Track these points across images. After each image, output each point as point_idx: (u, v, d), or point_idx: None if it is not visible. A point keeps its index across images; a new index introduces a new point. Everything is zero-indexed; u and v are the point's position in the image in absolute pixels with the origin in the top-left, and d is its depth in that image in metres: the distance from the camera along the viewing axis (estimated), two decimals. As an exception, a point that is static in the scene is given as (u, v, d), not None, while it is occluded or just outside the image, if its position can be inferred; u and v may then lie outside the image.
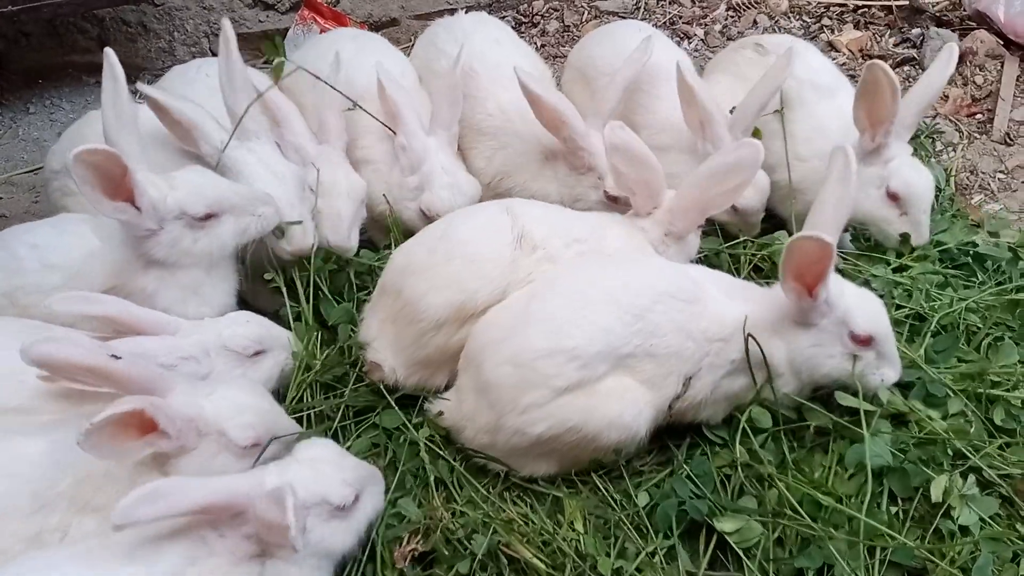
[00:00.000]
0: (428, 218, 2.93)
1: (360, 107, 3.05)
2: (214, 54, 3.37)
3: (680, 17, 4.62)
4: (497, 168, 3.17)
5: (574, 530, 2.19)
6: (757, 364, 2.28)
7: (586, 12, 4.65)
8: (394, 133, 3.05)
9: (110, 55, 2.51)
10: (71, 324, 2.33)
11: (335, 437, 2.43)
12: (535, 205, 2.61)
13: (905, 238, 2.87)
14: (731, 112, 2.97)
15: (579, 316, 2.19)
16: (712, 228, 2.93)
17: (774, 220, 3.08)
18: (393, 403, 2.47)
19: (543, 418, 2.17)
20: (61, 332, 2.26)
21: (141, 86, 2.75)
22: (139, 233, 2.43)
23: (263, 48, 2.75)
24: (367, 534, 2.10)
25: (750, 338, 2.24)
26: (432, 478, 2.32)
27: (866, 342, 2.26)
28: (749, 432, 2.29)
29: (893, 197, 2.83)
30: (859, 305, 2.28)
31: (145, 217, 2.40)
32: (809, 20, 4.60)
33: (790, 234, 2.84)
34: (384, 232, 3.06)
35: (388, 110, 3.04)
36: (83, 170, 2.25)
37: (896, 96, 2.71)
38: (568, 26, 4.57)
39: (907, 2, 4.44)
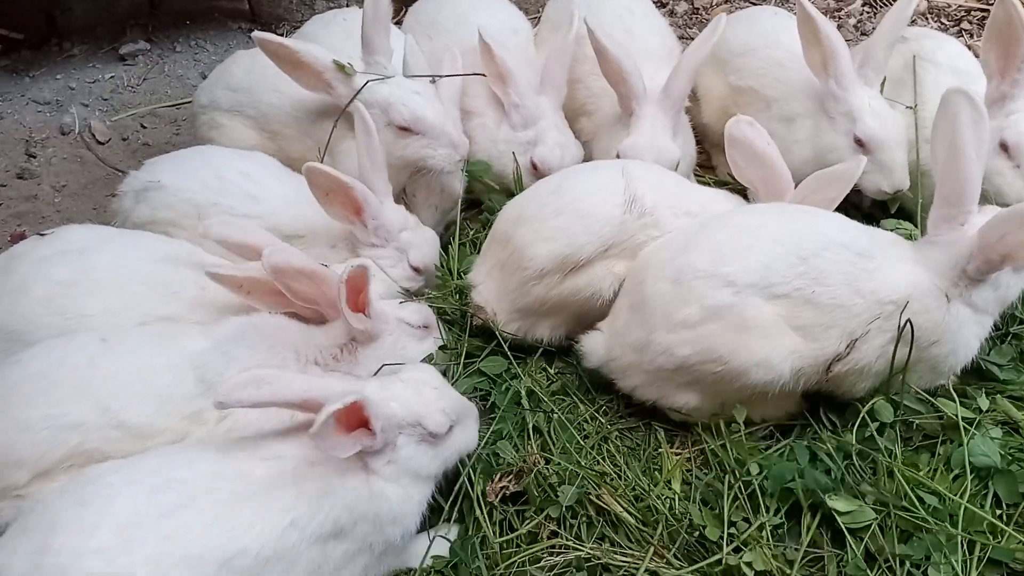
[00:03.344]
0: (536, 171, 3.04)
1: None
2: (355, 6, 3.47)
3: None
4: (596, 125, 3.22)
5: (670, 489, 2.23)
6: (917, 346, 2.22)
7: (717, -4, 4.62)
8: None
9: (360, 110, 2.67)
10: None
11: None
12: (651, 170, 2.63)
13: None
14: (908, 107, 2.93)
15: (741, 247, 2.22)
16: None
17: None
18: (506, 348, 2.57)
19: (690, 341, 2.21)
20: (211, 259, 2.49)
21: (257, 34, 2.80)
22: (357, 235, 2.69)
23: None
24: (458, 466, 2.17)
25: (900, 316, 2.19)
26: (531, 426, 2.39)
27: None
28: (868, 420, 2.27)
29: (1003, 147, 2.71)
30: None
31: (369, 233, 2.66)
32: (948, 23, 4.44)
33: (916, 225, 2.77)
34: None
35: (494, 72, 3.10)
36: (313, 181, 2.52)
37: None
38: (697, 8, 4.54)
39: (1056, 9, 4.24)
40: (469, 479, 2.22)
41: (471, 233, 3.15)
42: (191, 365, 2.14)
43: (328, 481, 1.89)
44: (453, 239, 2.97)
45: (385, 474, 1.96)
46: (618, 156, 2.92)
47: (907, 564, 2.00)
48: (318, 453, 1.89)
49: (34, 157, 3.74)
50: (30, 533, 1.72)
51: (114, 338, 2.17)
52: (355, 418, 1.86)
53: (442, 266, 2.91)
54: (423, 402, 2.01)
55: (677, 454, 2.36)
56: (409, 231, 2.75)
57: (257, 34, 2.80)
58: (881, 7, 4.55)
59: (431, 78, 3.03)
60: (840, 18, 4.48)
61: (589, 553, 2.05)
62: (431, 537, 2.14)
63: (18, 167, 3.67)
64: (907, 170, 2.86)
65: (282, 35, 4.27)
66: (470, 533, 2.16)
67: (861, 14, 4.53)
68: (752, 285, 2.17)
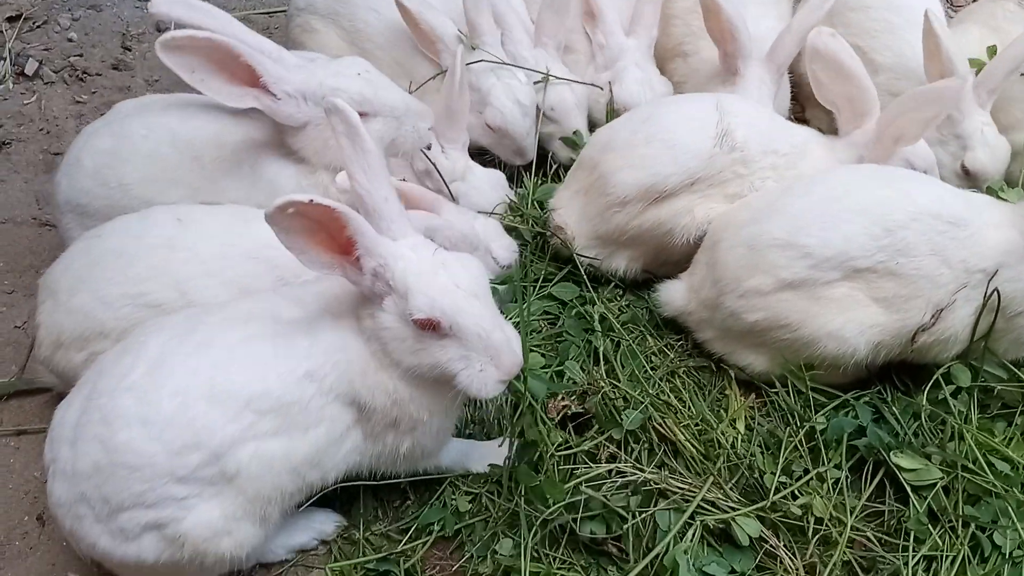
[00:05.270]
0: (611, 109, 3.01)
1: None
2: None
3: (929, -28, 4.34)
4: (691, 69, 3.14)
5: (734, 428, 2.22)
6: (1003, 315, 2.15)
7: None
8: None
9: (458, 66, 2.64)
10: None
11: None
12: (745, 106, 2.55)
13: None
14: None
15: (824, 218, 2.16)
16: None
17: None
18: (582, 271, 2.55)
19: (761, 308, 2.19)
20: None
21: None
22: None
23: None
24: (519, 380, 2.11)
25: (988, 285, 2.12)
26: (600, 350, 2.39)
27: None
28: (942, 383, 2.22)
29: None
30: None
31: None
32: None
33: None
34: None
35: (586, 9, 3.07)
36: None
37: None
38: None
39: None
40: (532, 395, 2.21)
41: (553, 168, 3.09)
42: (272, 264, 2.09)
43: (343, 337, 1.83)
44: (529, 171, 2.95)
45: (364, 328, 1.82)
46: None
47: (972, 526, 1.97)
48: (339, 306, 1.86)
49: (129, 51, 3.81)
50: (83, 385, 1.82)
51: (187, 218, 2.18)
52: (343, 241, 1.72)
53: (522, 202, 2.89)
54: (425, 283, 1.73)
55: (743, 397, 2.34)
56: (459, 181, 2.76)
57: None
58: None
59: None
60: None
61: (647, 477, 2.04)
62: (500, 443, 2.18)
63: (114, 58, 3.75)
64: None
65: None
66: (527, 448, 2.15)
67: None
68: (830, 259, 2.13)
